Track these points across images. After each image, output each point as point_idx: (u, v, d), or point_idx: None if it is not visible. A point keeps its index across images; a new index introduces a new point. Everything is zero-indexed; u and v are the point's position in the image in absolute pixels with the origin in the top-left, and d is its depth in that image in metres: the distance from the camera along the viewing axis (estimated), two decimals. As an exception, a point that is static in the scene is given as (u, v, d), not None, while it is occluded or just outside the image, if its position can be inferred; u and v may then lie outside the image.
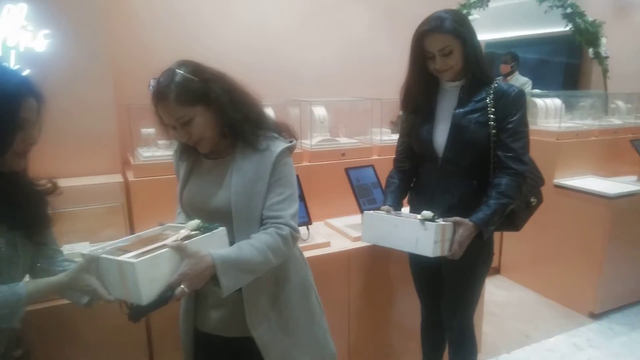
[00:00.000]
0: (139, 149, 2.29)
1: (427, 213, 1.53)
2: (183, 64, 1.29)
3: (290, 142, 1.39)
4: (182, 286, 1.12)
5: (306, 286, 1.51)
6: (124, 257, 1.07)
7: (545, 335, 2.93)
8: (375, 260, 2.23)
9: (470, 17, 3.22)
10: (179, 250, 1.13)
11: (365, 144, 2.80)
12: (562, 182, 3.23)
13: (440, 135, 1.70)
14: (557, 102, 3.70)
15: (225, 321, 1.40)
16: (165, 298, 1.10)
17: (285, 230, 1.30)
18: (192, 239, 1.17)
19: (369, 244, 2.17)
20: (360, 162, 2.50)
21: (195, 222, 1.23)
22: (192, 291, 1.18)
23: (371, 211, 1.68)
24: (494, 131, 1.63)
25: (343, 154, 2.62)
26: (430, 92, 1.74)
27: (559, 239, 3.28)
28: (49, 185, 1.27)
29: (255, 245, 1.25)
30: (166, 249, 1.11)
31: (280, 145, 1.34)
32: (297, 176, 2.22)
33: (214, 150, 1.37)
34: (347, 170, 2.38)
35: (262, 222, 1.33)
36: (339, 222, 2.45)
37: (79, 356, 1.67)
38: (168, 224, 1.33)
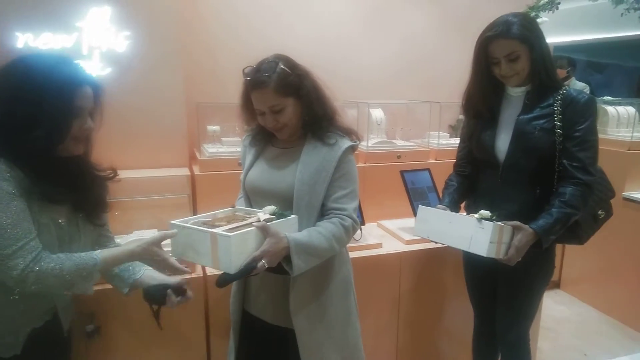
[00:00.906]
0: (204, 145, 2.41)
1: (486, 212, 1.51)
2: (281, 57, 1.40)
3: (354, 142, 1.48)
4: (262, 261, 1.24)
5: (347, 283, 1.56)
6: (218, 230, 1.22)
7: (605, 355, 2.77)
8: (428, 264, 2.21)
9: (538, 20, 3.09)
10: (264, 230, 1.27)
11: (422, 147, 2.79)
12: (633, 195, 3.03)
13: (503, 142, 1.67)
14: (631, 110, 3.48)
15: (269, 307, 1.49)
16: (249, 269, 1.23)
17: (348, 222, 1.41)
18: (272, 222, 1.30)
19: (421, 248, 2.20)
20: (416, 166, 2.49)
21: (272, 207, 1.36)
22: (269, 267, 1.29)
23: (423, 206, 1.69)
24: (560, 139, 1.57)
25: (399, 157, 2.62)
26: (494, 98, 1.71)
27: (627, 255, 3.09)
28: (110, 172, 1.38)
29: (322, 233, 1.36)
30: (253, 228, 1.25)
31: (347, 143, 1.45)
32: (354, 176, 2.29)
33: (283, 140, 1.48)
34: (402, 172, 2.38)
35: (324, 212, 1.43)
36: (392, 224, 2.46)
37: (149, 334, 1.77)
38: (238, 207, 1.49)
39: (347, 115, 2.76)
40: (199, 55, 2.54)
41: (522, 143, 1.62)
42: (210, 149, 2.35)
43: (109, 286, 1.68)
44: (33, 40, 2.02)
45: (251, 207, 1.50)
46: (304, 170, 1.40)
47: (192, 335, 1.87)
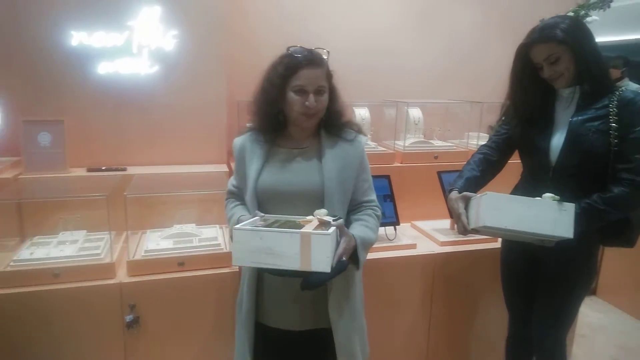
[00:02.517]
0: (242, 142, 2.46)
1: (551, 194, 1.48)
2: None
3: (365, 135, 1.56)
4: (344, 258, 1.28)
5: (361, 271, 1.58)
6: (309, 230, 1.22)
7: (642, 365, 2.70)
8: (462, 266, 2.20)
9: (588, 19, 2.98)
10: (342, 229, 1.31)
11: (460, 147, 2.75)
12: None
13: (557, 142, 1.64)
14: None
15: (298, 315, 1.48)
16: (343, 267, 1.28)
17: (379, 212, 1.52)
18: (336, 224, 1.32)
19: (456, 250, 2.19)
20: (454, 166, 2.44)
21: (324, 210, 1.35)
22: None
23: (490, 192, 1.57)
24: (615, 141, 1.53)
25: (436, 157, 2.60)
26: (546, 100, 1.68)
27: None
28: None
29: (369, 226, 1.45)
30: (334, 228, 1.27)
31: (363, 137, 1.53)
32: (389, 176, 2.30)
33: (292, 140, 1.48)
34: (439, 173, 2.36)
35: (354, 207, 1.50)
36: (426, 225, 2.45)
37: (185, 326, 1.86)
38: (266, 215, 1.40)
39: (385, 115, 2.77)
40: (241, 54, 2.59)
41: (577, 145, 1.58)
42: (249, 146, 2.39)
43: (150, 277, 1.79)
44: (87, 38, 2.11)
45: (262, 213, 1.41)
46: (331, 168, 1.42)
47: (223, 329, 1.90)
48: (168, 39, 2.19)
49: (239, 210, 1.52)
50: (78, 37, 2.10)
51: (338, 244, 1.29)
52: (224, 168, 2.31)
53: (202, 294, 1.85)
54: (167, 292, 1.81)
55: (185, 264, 1.85)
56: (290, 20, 2.75)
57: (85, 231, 2.03)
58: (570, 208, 1.44)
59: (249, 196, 1.47)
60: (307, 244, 1.21)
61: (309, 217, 1.34)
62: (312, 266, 1.22)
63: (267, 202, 1.45)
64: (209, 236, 2.04)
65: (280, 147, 1.49)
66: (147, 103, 2.27)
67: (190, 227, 2.10)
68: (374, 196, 1.53)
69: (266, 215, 1.40)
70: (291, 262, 1.23)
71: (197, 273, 1.84)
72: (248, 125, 1.56)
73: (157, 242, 1.97)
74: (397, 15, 3.00)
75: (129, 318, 1.75)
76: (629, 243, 1.68)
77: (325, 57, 1.41)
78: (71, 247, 1.88)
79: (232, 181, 1.61)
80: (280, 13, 2.74)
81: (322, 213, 1.34)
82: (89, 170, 2.20)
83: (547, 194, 1.48)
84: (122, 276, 1.79)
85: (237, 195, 1.59)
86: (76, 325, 1.72)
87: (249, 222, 1.33)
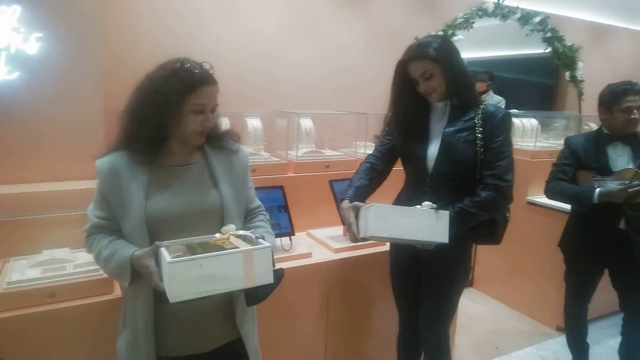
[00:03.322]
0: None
1: (429, 203, 1.57)
2: None
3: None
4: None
5: None
6: (249, 247, 1.21)
7: (514, 347, 3.03)
8: (355, 271, 2.28)
9: (455, 38, 3.32)
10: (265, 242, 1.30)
11: (349, 156, 2.86)
12: (535, 200, 3.35)
13: (432, 152, 1.77)
14: (534, 122, 3.83)
15: (210, 334, 1.41)
16: (281, 274, 1.32)
17: (268, 215, 1.59)
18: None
19: (349, 256, 2.25)
20: (344, 175, 2.53)
21: (233, 226, 1.32)
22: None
23: (376, 203, 1.62)
24: (481, 150, 1.70)
25: (327, 166, 2.67)
26: (422, 113, 1.80)
27: (529, 254, 3.40)
28: None
29: (269, 231, 1.50)
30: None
31: (243, 146, 1.54)
32: (282, 187, 2.30)
33: (173, 156, 1.38)
34: (331, 182, 2.43)
35: (246, 215, 1.52)
36: (321, 233, 2.50)
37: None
38: (165, 242, 1.26)
39: (277, 125, 2.77)
40: (121, 62, 2.40)
41: (449, 154, 1.73)
42: (132, 159, 2.22)
43: (14, 313, 1.57)
44: None
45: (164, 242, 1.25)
46: (225, 181, 1.41)
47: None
48: (31, 42, 1.94)
49: (122, 246, 1.31)
50: None
51: None
52: (102, 185, 2.11)
53: (78, 327, 1.65)
54: (36, 329, 1.59)
55: (58, 295, 1.64)
56: (174, 30, 2.64)
57: None
58: (445, 215, 1.55)
59: (133, 226, 1.30)
60: (250, 261, 1.18)
61: (218, 235, 1.28)
62: (256, 281, 1.20)
63: (158, 230, 1.31)
64: (85, 261, 1.83)
65: (163, 165, 1.36)
66: (7, 113, 1.98)
67: (63, 252, 1.87)
68: (259, 201, 1.59)
69: (166, 242, 1.25)
70: (235, 282, 1.19)
71: (72, 304, 1.64)
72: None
73: (23, 271, 1.72)
74: (285, 28, 3.05)
75: None
76: (496, 240, 1.88)
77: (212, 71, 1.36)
78: None
79: (95, 213, 1.37)
80: (164, 23, 2.61)
81: (232, 229, 1.31)
82: None
83: (426, 202, 1.58)
84: (-22, 314, 1.54)
85: (107, 228, 1.36)
86: None
87: (165, 254, 1.17)
